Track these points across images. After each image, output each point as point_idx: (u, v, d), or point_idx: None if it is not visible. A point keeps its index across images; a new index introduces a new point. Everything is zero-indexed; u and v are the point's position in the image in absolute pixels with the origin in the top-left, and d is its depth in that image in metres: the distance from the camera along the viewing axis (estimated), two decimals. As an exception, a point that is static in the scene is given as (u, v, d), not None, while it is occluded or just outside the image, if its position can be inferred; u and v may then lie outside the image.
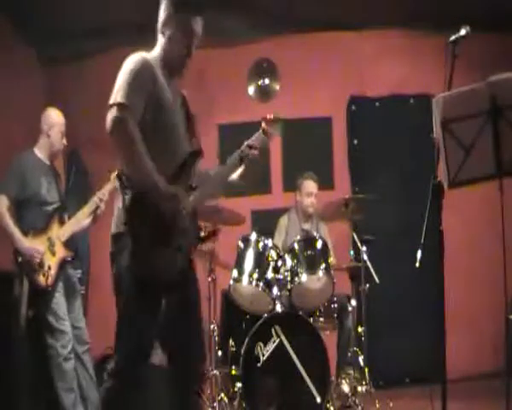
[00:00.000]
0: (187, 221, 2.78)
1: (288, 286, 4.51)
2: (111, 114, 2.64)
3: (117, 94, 2.68)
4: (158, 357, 3.11)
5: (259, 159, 3.01)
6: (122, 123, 2.63)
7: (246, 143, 3.01)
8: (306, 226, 5.34)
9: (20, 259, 4.31)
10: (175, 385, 2.87)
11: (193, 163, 2.89)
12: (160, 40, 2.94)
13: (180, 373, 2.85)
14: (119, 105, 2.64)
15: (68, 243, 4.49)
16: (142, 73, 2.73)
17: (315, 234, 4.89)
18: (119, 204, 2.77)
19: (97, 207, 4.49)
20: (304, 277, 4.49)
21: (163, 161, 2.72)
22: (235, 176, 3.04)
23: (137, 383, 2.73)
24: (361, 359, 4.75)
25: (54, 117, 4.57)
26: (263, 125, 3.07)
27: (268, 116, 3.11)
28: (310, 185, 5.35)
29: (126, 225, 2.68)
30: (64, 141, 4.60)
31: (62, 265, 4.43)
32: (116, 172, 2.79)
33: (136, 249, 2.65)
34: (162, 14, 2.93)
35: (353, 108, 6.40)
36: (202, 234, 2.93)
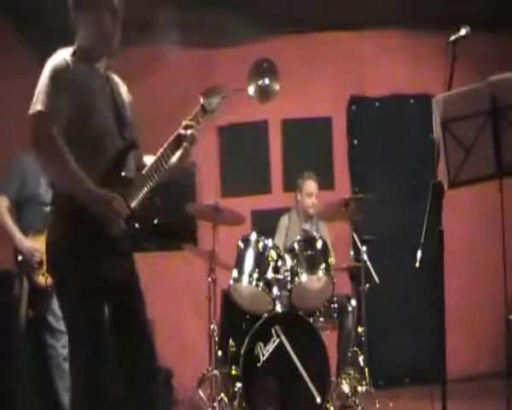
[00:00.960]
0: (124, 224, 2.67)
1: (288, 286, 4.51)
2: (31, 127, 2.56)
3: (36, 102, 2.58)
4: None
5: (197, 138, 2.85)
6: (43, 135, 2.55)
7: (183, 122, 2.85)
8: (306, 226, 5.34)
9: (20, 258, 4.32)
10: (127, 387, 2.79)
11: (125, 157, 2.76)
12: (77, 26, 2.79)
13: (131, 375, 2.78)
14: (39, 114, 2.55)
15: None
16: (61, 76, 2.63)
17: (315, 234, 4.89)
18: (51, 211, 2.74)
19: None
20: (304, 277, 4.49)
21: (93, 161, 2.64)
22: (174, 159, 2.86)
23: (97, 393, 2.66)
24: (361, 359, 4.75)
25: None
26: (201, 100, 2.91)
27: (206, 89, 2.96)
28: (311, 186, 5.35)
29: (60, 235, 2.64)
30: (64, 141, 4.60)
31: (62, 265, 4.43)
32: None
33: (72, 259, 2.60)
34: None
35: (353, 108, 6.40)
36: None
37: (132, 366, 2.78)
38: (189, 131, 2.83)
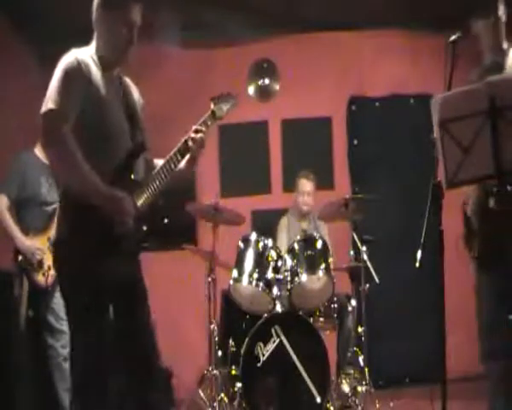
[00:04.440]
0: (131, 224, 2.69)
1: (288, 286, 4.51)
2: (42, 126, 2.58)
3: (48, 100, 2.61)
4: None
5: (205, 143, 2.90)
6: (54, 133, 2.57)
7: (193, 127, 2.90)
8: (304, 225, 5.35)
9: (20, 258, 4.32)
10: (130, 387, 2.81)
11: (136, 158, 2.80)
12: (95, 33, 2.83)
13: (133, 376, 2.79)
14: (50, 112, 2.57)
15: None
16: (73, 75, 2.65)
17: (315, 234, 4.89)
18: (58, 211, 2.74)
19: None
20: (304, 277, 4.49)
21: (104, 161, 2.66)
22: (182, 163, 2.91)
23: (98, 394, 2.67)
24: (361, 359, 4.74)
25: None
26: (211, 105, 2.97)
27: (217, 96, 3.01)
28: (304, 184, 5.37)
29: (67, 232, 2.64)
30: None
31: (62, 265, 4.43)
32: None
33: (76, 257, 2.60)
34: (95, 3, 2.81)
35: (353, 108, 6.40)
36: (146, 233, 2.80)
37: (135, 367, 2.79)
38: (198, 136, 2.87)
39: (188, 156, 2.90)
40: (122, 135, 2.78)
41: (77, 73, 2.66)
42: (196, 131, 2.88)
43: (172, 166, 2.85)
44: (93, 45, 2.83)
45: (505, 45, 3.15)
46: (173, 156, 2.86)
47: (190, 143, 2.86)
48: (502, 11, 3.13)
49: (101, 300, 2.67)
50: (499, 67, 3.05)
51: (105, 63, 2.79)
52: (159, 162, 2.93)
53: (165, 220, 2.91)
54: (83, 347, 2.67)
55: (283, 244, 5.11)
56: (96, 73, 2.74)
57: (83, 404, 2.65)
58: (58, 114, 2.57)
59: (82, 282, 2.62)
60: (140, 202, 2.76)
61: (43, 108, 2.60)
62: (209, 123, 2.94)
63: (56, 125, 2.57)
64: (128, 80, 2.97)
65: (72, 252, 2.62)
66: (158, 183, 2.82)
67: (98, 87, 2.72)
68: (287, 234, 5.32)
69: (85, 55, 2.76)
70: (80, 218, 2.62)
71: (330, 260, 4.62)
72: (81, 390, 2.67)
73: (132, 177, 2.77)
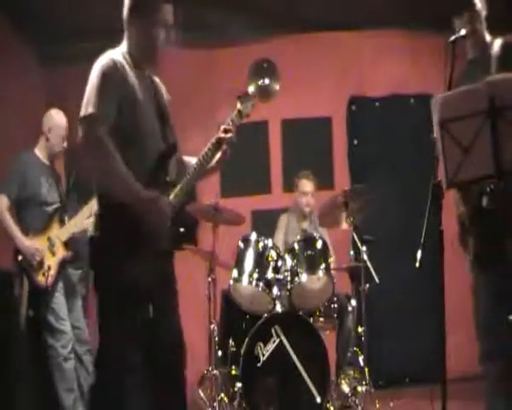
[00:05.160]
0: (168, 225, 2.74)
1: (288, 286, 4.51)
2: (82, 129, 2.62)
3: (87, 105, 2.63)
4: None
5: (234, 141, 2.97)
6: (94, 137, 2.60)
7: (222, 127, 2.97)
8: (304, 225, 5.35)
9: (20, 258, 4.32)
10: (156, 389, 2.82)
11: (169, 158, 2.85)
12: (127, 33, 2.86)
13: (160, 375, 2.81)
14: (90, 117, 2.60)
15: (68, 244, 4.50)
16: (111, 77, 2.68)
17: (315, 234, 4.88)
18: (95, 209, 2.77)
19: (97, 208, 4.48)
20: (304, 277, 4.49)
21: (139, 162, 2.69)
22: (212, 163, 2.97)
23: (122, 383, 2.69)
24: (361, 359, 4.74)
25: (54, 120, 4.56)
26: (238, 105, 3.05)
27: (242, 94, 3.12)
28: (305, 185, 5.37)
29: (104, 232, 2.67)
30: (64, 144, 4.60)
31: (62, 265, 4.44)
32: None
33: (112, 254, 2.64)
34: (126, 4, 2.85)
35: (353, 108, 6.40)
36: (183, 232, 2.86)
37: (163, 367, 2.81)
38: (228, 135, 2.94)
39: (217, 156, 2.95)
40: (154, 135, 2.83)
41: (114, 75, 2.70)
42: (225, 131, 2.95)
43: (205, 164, 2.91)
44: (124, 45, 2.87)
45: (488, 38, 3.16)
46: (205, 156, 2.91)
47: (221, 142, 2.92)
48: (480, 4, 3.13)
49: (136, 298, 2.68)
50: (483, 61, 3.05)
51: (137, 63, 2.83)
52: (188, 160, 2.99)
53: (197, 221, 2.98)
54: (114, 344, 2.69)
55: (279, 242, 5.11)
56: (130, 72, 2.77)
57: (106, 400, 2.67)
58: (98, 117, 2.61)
59: (119, 279, 2.65)
60: (174, 202, 2.80)
61: (83, 112, 2.64)
62: (236, 122, 3.02)
63: (96, 129, 2.60)
64: (157, 79, 3.00)
65: (110, 250, 2.65)
66: (191, 182, 2.88)
67: (133, 87, 2.76)
68: (284, 233, 5.32)
69: (119, 55, 2.79)
70: (116, 218, 2.65)
71: (330, 260, 4.63)
72: (106, 393, 2.67)
73: (167, 178, 2.83)
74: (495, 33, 3.18)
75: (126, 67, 2.76)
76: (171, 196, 2.80)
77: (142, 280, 2.67)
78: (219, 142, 2.93)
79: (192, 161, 2.97)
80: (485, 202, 2.86)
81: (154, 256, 2.71)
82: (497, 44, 3.07)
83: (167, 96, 3.03)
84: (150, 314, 2.74)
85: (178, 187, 2.84)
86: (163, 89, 3.02)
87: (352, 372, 4.77)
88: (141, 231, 2.65)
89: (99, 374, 2.73)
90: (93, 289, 2.82)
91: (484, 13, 3.15)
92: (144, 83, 2.84)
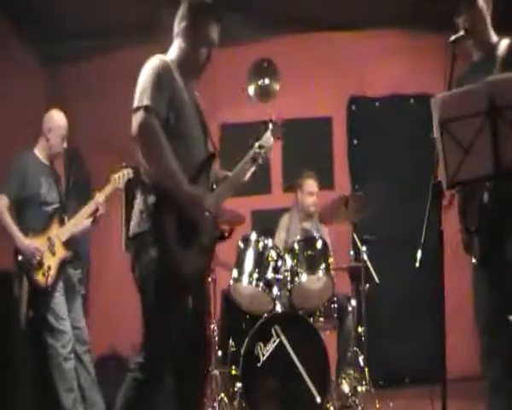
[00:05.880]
0: (210, 221, 2.84)
1: (288, 286, 4.51)
2: (138, 117, 2.68)
3: (142, 96, 2.71)
4: None
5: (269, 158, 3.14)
6: (149, 126, 2.67)
7: (257, 143, 3.11)
8: (307, 225, 5.34)
9: (20, 258, 4.32)
10: (179, 386, 2.89)
11: (210, 165, 2.95)
12: (178, 44, 2.97)
13: (185, 376, 2.87)
14: (146, 108, 2.67)
15: (68, 244, 4.50)
16: (163, 76, 2.77)
17: (315, 234, 4.89)
18: (138, 205, 2.80)
19: (97, 209, 4.49)
20: (304, 277, 4.49)
21: (184, 164, 2.75)
22: (247, 176, 3.14)
23: (163, 379, 2.76)
24: (361, 359, 4.75)
25: (54, 120, 4.56)
26: (270, 126, 3.18)
27: (274, 118, 3.24)
28: (311, 184, 5.36)
29: (151, 225, 2.70)
30: (64, 144, 4.60)
31: (62, 265, 4.44)
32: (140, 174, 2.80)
33: (161, 248, 2.69)
34: (180, 17, 2.97)
35: (353, 108, 6.40)
36: (221, 234, 2.98)
37: (188, 368, 2.87)
38: (263, 151, 3.14)
39: (252, 169, 3.14)
40: (199, 141, 2.93)
41: (167, 75, 2.79)
42: (260, 147, 3.10)
43: (241, 177, 3.11)
44: (173, 54, 2.97)
45: (494, 39, 3.11)
46: (242, 169, 3.10)
47: (256, 159, 3.11)
48: (482, 2, 3.08)
49: (179, 292, 2.74)
50: (489, 62, 3.01)
51: (184, 72, 2.93)
52: (218, 172, 3.12)
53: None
54: (157, 332, 2.74)
55: (281, 243, 5.12)
56: (178, 79, 2.87)
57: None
58: (153, 110, 2.68)
59: (163, 272, 2.69)
60: (215, 204, 2.93)
61: (138, 103, 2.70)
62: (271, 141, 3.19)
63: (151, 119, 2.67)
64: (196, 92, 3.09)
65: (155, 245, 2.69)
66: (224, 193, 3.06)
67: (182, 92, 2.85)
68: (286, 233, 5.32)
69: (169, 60, 2.89)
70: (163, 211, 2.70)
71: (330, 260, 4.62)
72: (145, 390, 2.72)
73: (210, 183, 2.95)
74: (497, 33, 3.14)
75: (175, 73, 2.86)
76: (213, 199, 2.92)
77: (188, 275, 2.75)
78: (255, 158, 3.09)
79: (222, 173, 3.12)
80: (485, 199, 2.85)
81: (200, 251, 2.80)
82: (503, 45, 3.03)
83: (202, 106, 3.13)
84: (190, 308, 2.81)
85: (214, 194, 2.97)
86: (200, 102, 3.10)
87: (352, 372, 4.77)
88: (188, 225, 2.73)
89: (146, 370, 2.74)
90: (138, 289, 2.80)
91: (487, 12, 3.10)
92: (189, 92, 2.95)
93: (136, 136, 2.68)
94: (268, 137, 3.16)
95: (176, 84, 2.83)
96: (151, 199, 2.73)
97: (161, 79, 2.75)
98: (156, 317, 2.75)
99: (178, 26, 2.97)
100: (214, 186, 3.00)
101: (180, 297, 2.77)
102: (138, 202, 2.81)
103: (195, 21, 2.93)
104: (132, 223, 2.82)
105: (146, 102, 2.68)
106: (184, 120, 2.84)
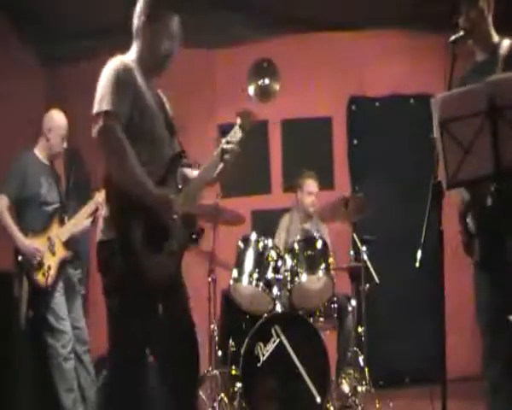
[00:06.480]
0: (178, 225, 2.78)
1: (288, 286, 4.51)
2: (98, 124, 2.62)
3: (101, 102, 2.65)
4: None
5: (238, 153, 3.02)
6: (110, 132, 2.62)
7: (224, 139, 3.01)
8: (307, 225, 5.34)
9: (20, 258, 4.32)
10: (169, 391, 2.85)
11: (178, 165, 2.89)
12: (137, 42, 2.91)
13: (173, 379, 2.83)
14: (106, 113, 2.62)
15: (68, 244, 4.50)
16: (124, 78, 2.71)
17: (315, 234, 4.89)
18: (104, 212, 2.78)
19: (97, 209, 4.49)
20: (304, 277, 4.49)
21: (149, 166, 2.71)
22: (215, 173, 3.01)
23: (134, 381, 2.72)
24: (361, 359, 4.74)
25: (54, 120, 4.56)
26: (238, 120, 3.09)
27: (241, 111, 3.16)
28: (311, 184, 5.36)
29: (116, 232, 2.67)
30: (64, 144, 4.60)
31: (62, 265, 4.44)
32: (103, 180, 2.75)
33: (128, 255, 2.64)
34: (137, 14, 2.90)
35: (353, 108, 6.40)
36: (194, 236, 2.90)
37: (177, 369, 2.82)
38: (230, 146, 2.98)
39: (220, 167, 2.99)
40: (165, 142, 2.87)
41: (127, 77, 2.73)
42: (227, 143, 3.00)
43: (210, 174, 2.96)
44: (133, 52, 2.91)
45: (496, 39, 3.10)
46: (209, 167, 2.95)
47: (222, 155, 2.96)
48: (482, 2, 3.07)
49: (146, 299, 2.70)
50: (492, 62, 3.01)
51: (145, 71, 2.87)
52: (187, 172, 3.01)
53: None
54: (128, 346, 2.71)
55: (281, 243, 5.12)
56: (140, 78, 2.81)
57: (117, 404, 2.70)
58: (112, 115, 2.62)
59: (129, 282, 2.66)
60: (182, 205, 2.82)
61: (97, 109, 2.65)
62: (237, 136, 3.07)
63: (111, 124, 2.62)
64: (161, 93, 3.03)
65: (121, 252, 2.66)
66: (193, 191, 2.93)
67: (144, 92, 2.79)
68: (286, 234, 5.32)
69: (129, 61, 2.83)
70: (129, 217, 2.66)
71: (330, 260, 4.62)
72: (117, 393, 2.71)
73: (177, 184, 2.86)
74: (497, 34, 3.14)
75: (137, 73, 2.80)
76: (180, 201, 2.83)
77: (158, 281, 2.70)
78: (222, 153, 2.96)
79: (191, 172, 3.01)
80: (489, 201, 2.85)
81: (166, 256, 2.74)
82: (505, 45, 3.02)
83: (171, 112, 3.06)
84: (160, 313, 2.76)
85: (182, 194, 2.87)
86: (166, 101, 3.05)
87: (352, 372, 4.77)
88: (156, 230, 2.68)
89: (115, 374, 2.75)
90: (104, 293, 2.79)
91: (488, 13, 3.09)
92: (152, 92, 2.89)
93: (98, 143, 2.63)
94: (235, 132, 3.06)
95: (137, 83, 2.76)
96: (115, 205, 2.70)
97: (122, 80, 2.69)
98: (123, 324, 2.72)
99: (137, 22, 2.90)
100: (180, 186, 2.90)
101: (148, 303, 2.71)
102: (104, 210, 2.78)
103: (153, 16, 2.86)
104: (98, 230, 2.79)
105: (105, 107, 2.62)
106: (148, 120, 2.78)
